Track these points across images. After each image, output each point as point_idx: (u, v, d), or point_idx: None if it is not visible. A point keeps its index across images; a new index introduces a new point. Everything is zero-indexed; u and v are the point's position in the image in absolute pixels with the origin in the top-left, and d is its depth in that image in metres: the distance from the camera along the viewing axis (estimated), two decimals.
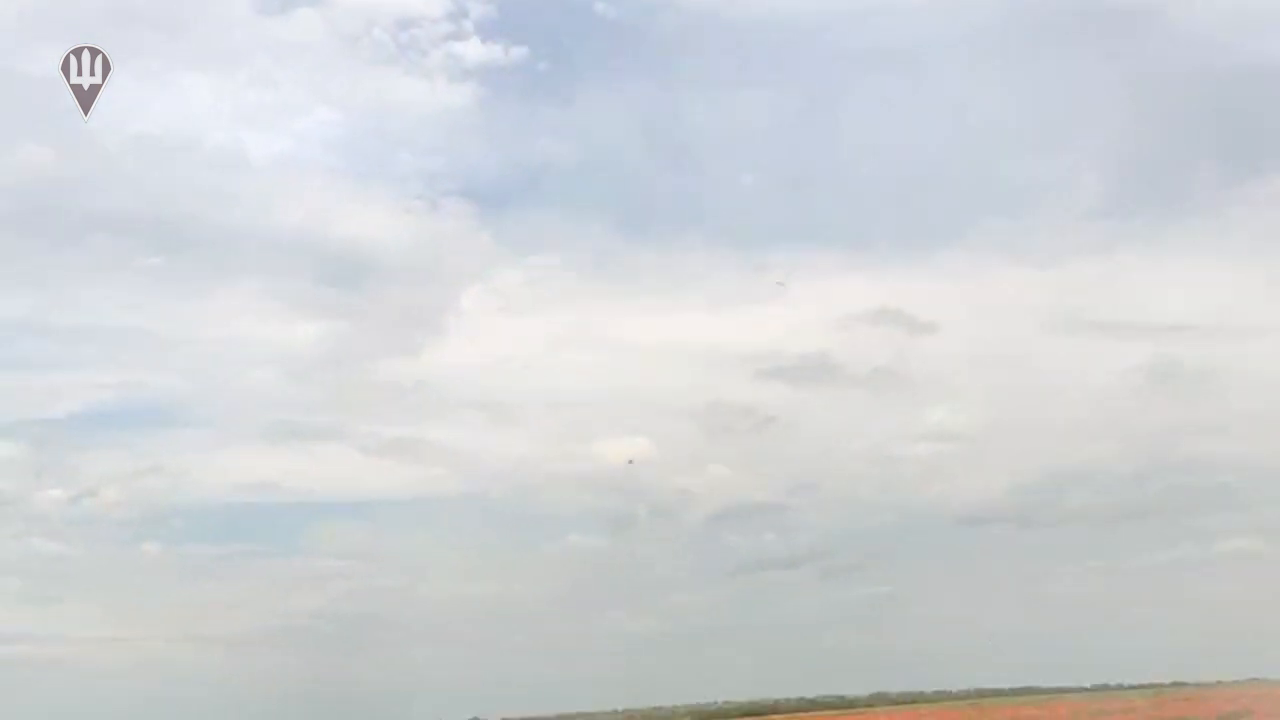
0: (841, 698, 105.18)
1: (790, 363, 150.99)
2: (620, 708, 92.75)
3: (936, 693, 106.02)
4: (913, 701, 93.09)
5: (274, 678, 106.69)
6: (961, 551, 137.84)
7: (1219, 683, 79.19)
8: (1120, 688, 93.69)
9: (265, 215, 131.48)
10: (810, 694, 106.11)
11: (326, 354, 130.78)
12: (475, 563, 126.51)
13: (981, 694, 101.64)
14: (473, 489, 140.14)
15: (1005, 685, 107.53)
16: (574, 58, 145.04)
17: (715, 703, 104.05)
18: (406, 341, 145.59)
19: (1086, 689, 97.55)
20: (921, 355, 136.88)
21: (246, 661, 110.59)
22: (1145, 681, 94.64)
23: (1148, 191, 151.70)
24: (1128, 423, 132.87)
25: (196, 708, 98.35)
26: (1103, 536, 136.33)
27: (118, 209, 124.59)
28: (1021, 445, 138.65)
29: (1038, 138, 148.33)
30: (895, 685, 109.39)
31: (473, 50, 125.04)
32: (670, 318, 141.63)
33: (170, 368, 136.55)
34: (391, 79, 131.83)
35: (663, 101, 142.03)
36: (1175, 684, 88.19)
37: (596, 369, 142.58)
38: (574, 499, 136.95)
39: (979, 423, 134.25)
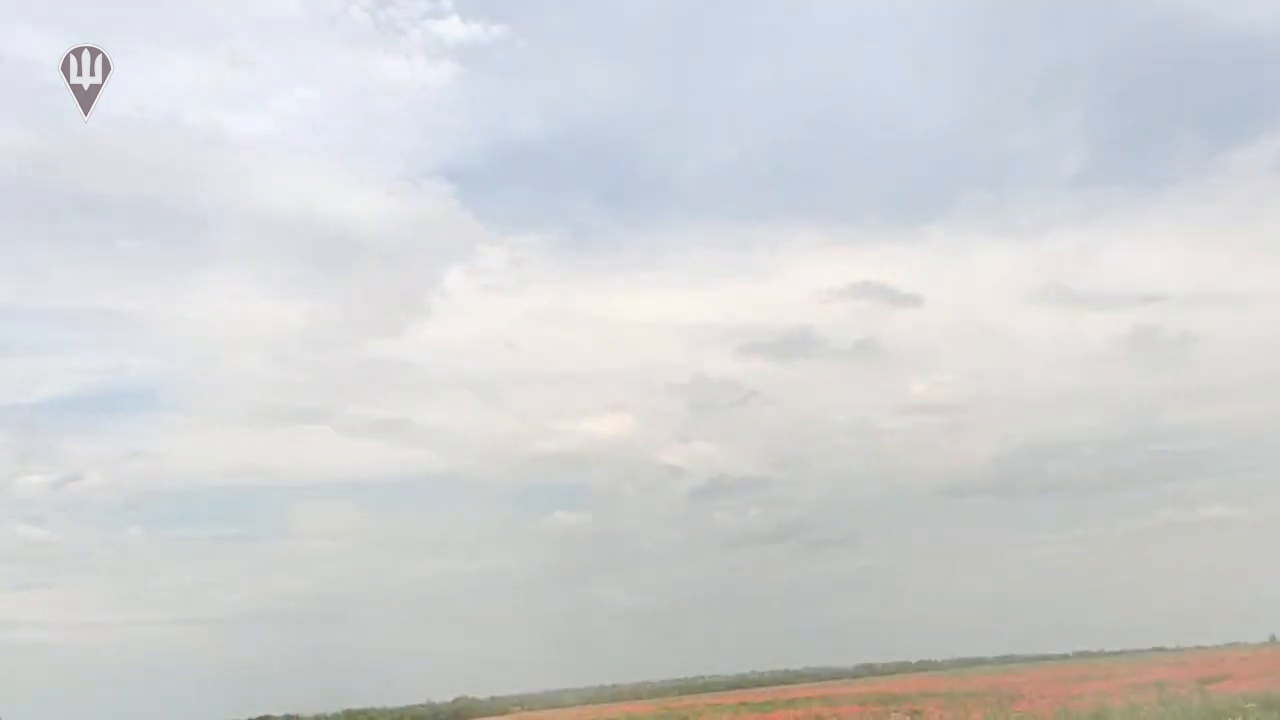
0: (827, 669, 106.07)
1: (773, 337, 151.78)
2: (607, 683, 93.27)
3: (921, 663, 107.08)
4: (897, 672, 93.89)
5: (262, 658, 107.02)
6: (945, 522, 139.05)
7: (1199, 647, 79.98)
8: (1102, 654, 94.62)
9: (246, 195, 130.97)
10: (796, 666, 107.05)
11: (309, 336, 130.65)
12: (461, 541, 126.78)
13: (965, 663, 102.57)
14: (458, 468, 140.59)
15: (989, 654, 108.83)
16: (554, 36, 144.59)
17: (702, 676, 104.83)
18: (390, 322, 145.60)
19: (1069, 656, 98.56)
20: (904, 328, 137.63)
21: (234, 643, 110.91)
22: (1126, 648, 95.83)
23: (1129, 161, 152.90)
24: (1109, 392, 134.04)
25: (185, 689, 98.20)
26: (1084, 505, 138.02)
27: (97, 190, 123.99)
28: (1003, 416, 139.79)
29: (1018, 110, 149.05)
30: (880, 657, 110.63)
31: (452, 29, 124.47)
32: (653, 294, 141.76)
33: (152, 351, 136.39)
34: (371, 58, 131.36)
35: (643, 79, 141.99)
36: (1156, 649, 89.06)
37: (580, 346, 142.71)
38: (559, 476, 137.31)
39: (961, 395, 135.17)
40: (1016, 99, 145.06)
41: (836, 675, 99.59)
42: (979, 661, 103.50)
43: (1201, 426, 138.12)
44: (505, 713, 66.83)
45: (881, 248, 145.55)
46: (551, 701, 75.52)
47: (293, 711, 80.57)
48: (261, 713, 79.17)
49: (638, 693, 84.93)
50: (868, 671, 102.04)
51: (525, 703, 74.47)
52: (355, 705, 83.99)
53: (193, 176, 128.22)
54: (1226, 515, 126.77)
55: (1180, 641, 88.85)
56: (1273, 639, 78.22)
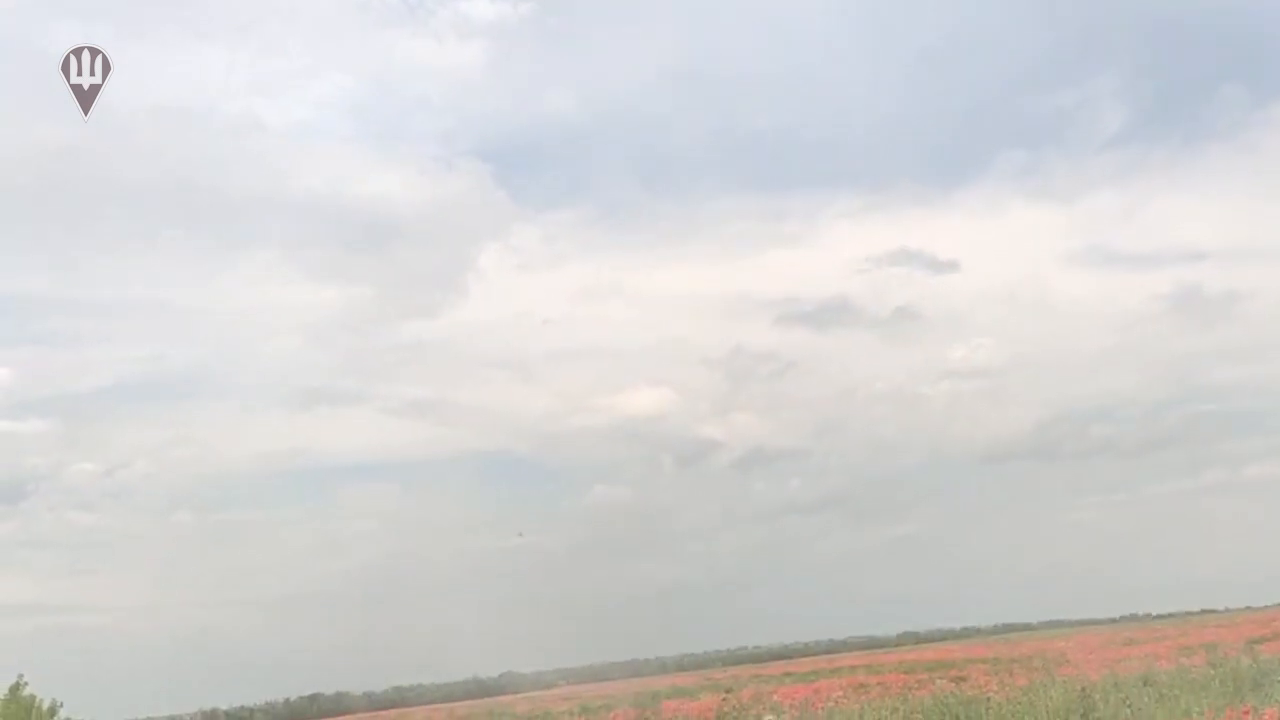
0: (871, 638, 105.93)
1: (811, 307, 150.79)
2: (651, 656, 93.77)
3: (965, 629, 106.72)
4: (941, 639, 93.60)
5: (311, 638, 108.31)
6: (986, 489, 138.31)
7: (1248, 608, 79.03)
8: (1148, 617, 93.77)
9: (282, 182, 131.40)
10: (840, 636, 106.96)
11: (348, 318, 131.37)
12: (502, 519, 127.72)
13: (1010, 629, 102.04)
14: (497, 446, 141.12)
15: (1033, 620, 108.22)
16: (583, 10, 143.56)
17: (745, 648, 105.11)
18: (426, 303, 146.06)
19: (1115, 620, 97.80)
20: (942, 294, 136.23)
21: (283, 624, 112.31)
22: (1173, 610, 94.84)
23: (1168, 119, 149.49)
24: (1151, 353, 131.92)
25: (237, 670, 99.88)
26: (1128, 467, 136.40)
27: (136, 181, 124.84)
28: (1044, 380, 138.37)
29: (1055, 69, 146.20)
30: (923, 624, 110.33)
31: (481, 8, 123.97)
32: (689, 267, 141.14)
33: (194, 338, 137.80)
34: (401, 40, 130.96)
35: (674, 51, 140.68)
36: (1204, 611, 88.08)
37: (616, 321, 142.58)
38: (598, 452, 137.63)
39: (1001, 359, 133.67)
40: (1053, 58, 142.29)
41: (880, 644, 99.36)
42: (1024, 627, 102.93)
43: (1246, 385, 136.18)
44: (551, 686, 67.41)
45: (917, 213, 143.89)
46: (595, 675, 75.98)
47: (343, 689, 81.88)
48: (313, 691, 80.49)
49: (681, 665, 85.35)
50: (912, 639, 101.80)
51: (569, 676, 75.01)
52: (403, 683, 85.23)
53: (229, 165, 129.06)
54: (1273, 474, 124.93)
55: (1229, 603, 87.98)
56: None
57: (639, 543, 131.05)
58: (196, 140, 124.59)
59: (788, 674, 46.73)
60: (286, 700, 77.75)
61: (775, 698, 28.37)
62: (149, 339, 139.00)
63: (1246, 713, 11.19)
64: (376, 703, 76.71)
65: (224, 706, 74.73)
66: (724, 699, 29.88)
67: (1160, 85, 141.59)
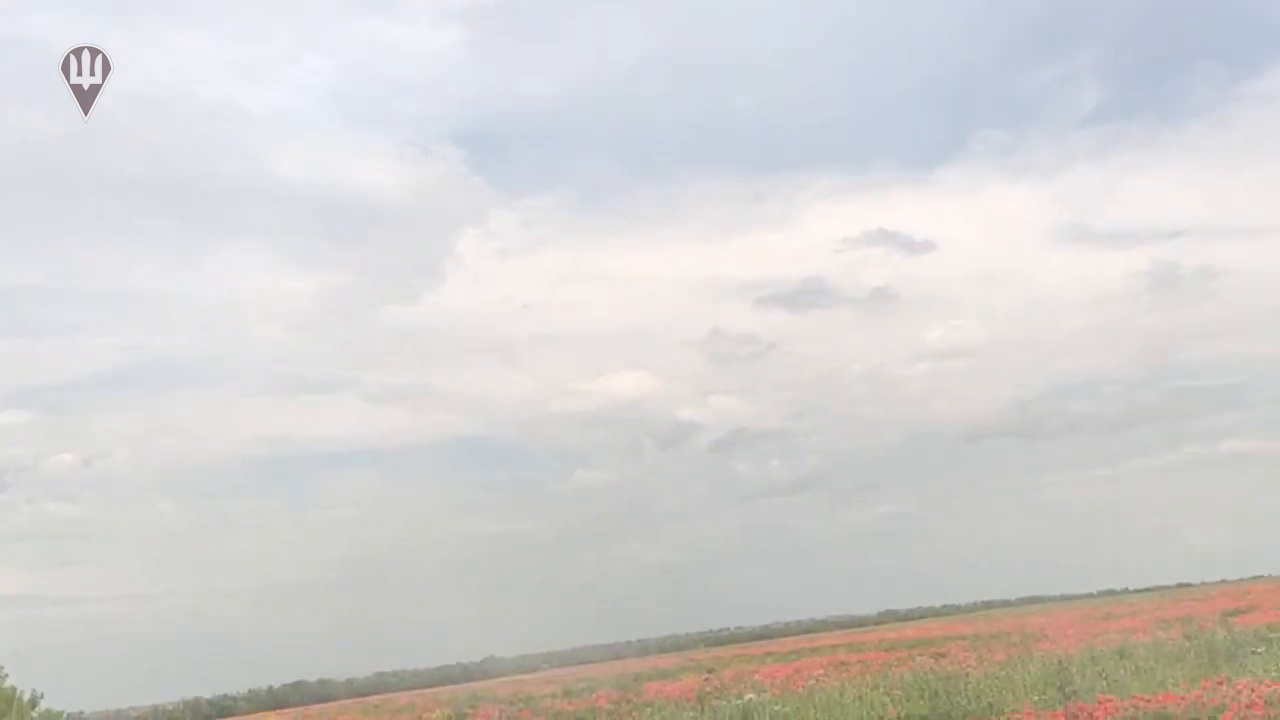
0: (852, 617, 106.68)
1: (790, 288, 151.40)
2: (634, 638, 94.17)
3: (945, 607, 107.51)
4: (921, 617, 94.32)
5: (294, 626, 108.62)
6: (967, 467, 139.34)
7: (1224, 581, 80.00)
8: (1127, 592, 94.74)
9: (261, 169, 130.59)
10: (821, 615, 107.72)
11: (328, 306, 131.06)
12: (485, 504, 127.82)
13: (990, 606, 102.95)
14: (480, 431, 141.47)
15: (1014, 596, 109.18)
16: None
17: (728, 629, 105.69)
18: (406, 289, 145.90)
19: (1094, 595, 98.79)
20: (920, 274, 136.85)
21: (267, 612, 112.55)
22: (1151, 585, 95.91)
23: (1145, 95, 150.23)
24: (1129, 329, 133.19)
25: (220, 659, 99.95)
26: (1107, 444, 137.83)
27: (114, 169, 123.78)
28: (1023, 358, 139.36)
29: (1032, 47, 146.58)
30: (904, 603, 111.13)
31: None
32: (668, 250, 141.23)
33: (174, 327, 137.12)
34: (378, 25, 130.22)
35: (652, 33, 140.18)
36: (1180, 585, 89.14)
37: (596, 305, 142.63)
38: (581, 436, 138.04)
39: (980, 338, 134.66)
40: (1030, 36, 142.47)
41: (861, 623, 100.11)
42: (1004, 604, 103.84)
43: (1222, 361, 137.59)
44: (534, 670, 67.58)
45: (896, 193, 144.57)
46: (578, 658, 76.29)
47: (325, 676, 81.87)
48: (296, 678, 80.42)
49: (664, 647, 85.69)
50: (892, 617, 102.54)
51: (552, 660, 75.30)
52: (386, 669, 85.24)
53: (208, 151, 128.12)
54: (1249, 449, 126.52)
55: (1205, 577, 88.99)
56: None
57: (621, 526, 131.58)
58: (176, 127, 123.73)
59: (769, 654, 46.95)
60: (270, 688, 77.64)
61: (757, 677, 28.56)
62: (128, 328, 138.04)
63: (1220, 683, 11.37)
64: (359, 689, 76.71)
65: (207, 695, 74.66)
66: (706, 679, 30.11)
67: (1138, 61, 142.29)
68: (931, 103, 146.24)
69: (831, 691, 19.75)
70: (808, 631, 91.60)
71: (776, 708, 17.78)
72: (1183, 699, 10.66)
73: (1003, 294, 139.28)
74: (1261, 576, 76.37)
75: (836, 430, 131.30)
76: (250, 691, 76.46)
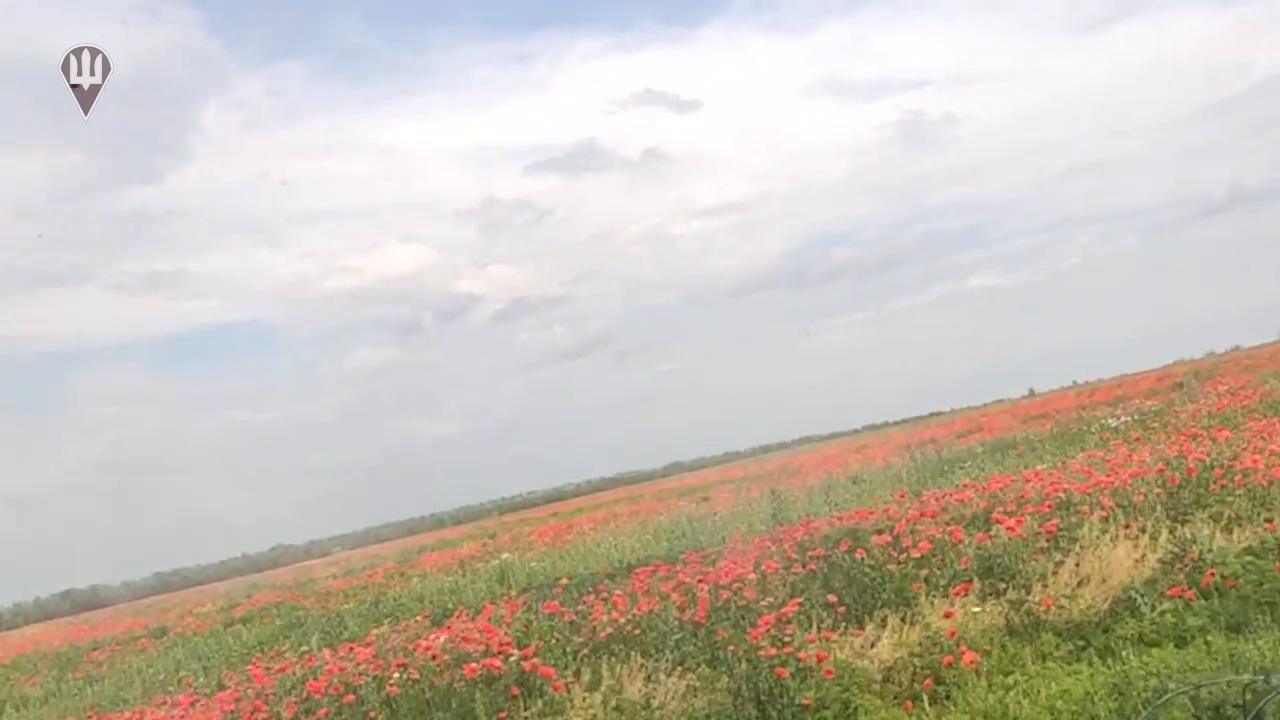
0: (639, 473, 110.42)
1: (561, 153, 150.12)
2: (427, 513, 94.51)
3: (726, 454, 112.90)
4: (704, 467, 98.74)
5: (63, 534, 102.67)
6: (741, 320, 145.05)
7: (968, 407, 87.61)
8: (886, 425, 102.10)
9: None
10: (609, 474, 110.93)
11: (58, 190, 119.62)
12: (261, 391, 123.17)
13: (767, 449, 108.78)
14: (246, 316, 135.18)
15: (789, 438, 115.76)
16: None
17: (521, 494, 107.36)
18: (146, 169, 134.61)
19: (858, 430, 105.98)
20: (688, 133, 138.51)
21: (29, 522, 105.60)
22: (910, 415, 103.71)
23: None
24: (884, 178, 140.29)
25: None
26: (867, 287, 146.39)
27: None
28: (788, 211, 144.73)
29: None
30: (689, 454, 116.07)
31: None
32: (432, 117, 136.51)
33: None
34: None
35: None
36: (933, 414, 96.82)
37: (360, 178, 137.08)
38: (357, 314, 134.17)
39: (747, 194, 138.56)
40: None
41: (648, 477, 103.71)
42: (781, 446, 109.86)
43: (966, 203, 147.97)
44: (326, 554, 66.88)
45: (660, 53, 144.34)
46: (372, 538, 76.07)
47: (98, 582, 78.16)
48: (64, 588, 76.43)
49: (458, 518, 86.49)
50: (679, 469, 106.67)
51: (344, 543, 74.79)
52: (166, 568, 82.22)
53: None
54: (992, 284, 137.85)
55: (954, 404, 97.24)
56: (1031, 392, 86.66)
57: (407, 403, 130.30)
58: None
59: (555, 514, 48.17)
60: (37, 599, 73.71)
61: (531, 538, 29.32)
62: None
63: (903, 495, 12.50)
64: (137, 591, 73.65)
65: None
66: (484, 545, 30.72)
67: None
68: None
69: (590, 543, 20.56)
70: (597, 490, 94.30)
71: (533, 564, 18.33)
72: (872, 514, 11.62)
73: (767, 150, 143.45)
74: (1001, 400, 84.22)
75: (615, 292, 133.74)
76: (15, 605, 72.37)
